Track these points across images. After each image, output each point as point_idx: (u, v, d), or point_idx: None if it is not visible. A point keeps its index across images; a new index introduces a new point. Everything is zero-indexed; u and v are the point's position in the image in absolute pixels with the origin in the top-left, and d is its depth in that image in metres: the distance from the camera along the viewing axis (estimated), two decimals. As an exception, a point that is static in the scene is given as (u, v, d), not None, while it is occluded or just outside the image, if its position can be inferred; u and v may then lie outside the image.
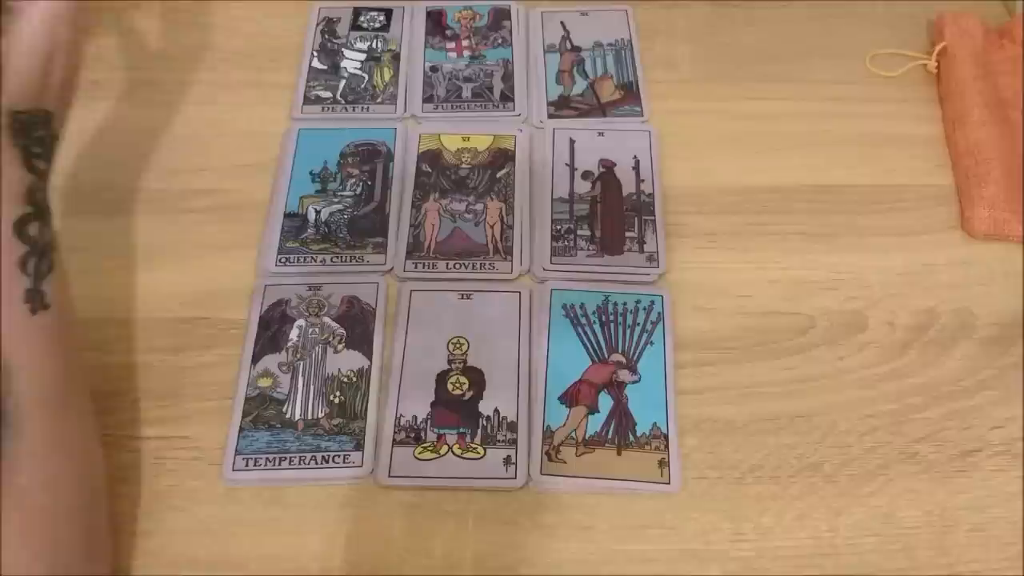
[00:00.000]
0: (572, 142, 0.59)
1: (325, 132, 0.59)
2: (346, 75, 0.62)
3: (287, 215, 0.55)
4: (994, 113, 0.58)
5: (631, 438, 0.47)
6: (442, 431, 0.47)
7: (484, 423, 0.47)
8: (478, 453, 0.46)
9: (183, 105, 0.60)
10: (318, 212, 0.55)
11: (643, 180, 0.57)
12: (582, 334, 0.50)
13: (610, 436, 0.47)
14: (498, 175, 0.57)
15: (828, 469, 0.46)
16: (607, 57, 0.63)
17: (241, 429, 0.47)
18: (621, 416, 0.47)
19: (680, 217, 0.55)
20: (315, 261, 0.53)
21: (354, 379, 0.49)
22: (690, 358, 0.50)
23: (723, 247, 0.54)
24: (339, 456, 0.46)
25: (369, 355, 0.49)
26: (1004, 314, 0.52)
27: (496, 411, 0.47)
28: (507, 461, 0.46)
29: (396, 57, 0.63)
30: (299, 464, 0.46)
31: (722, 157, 0.58)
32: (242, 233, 0.54)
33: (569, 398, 0.48)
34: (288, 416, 0.47)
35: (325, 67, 0.63)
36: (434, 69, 0.63)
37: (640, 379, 0.49)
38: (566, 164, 0.58)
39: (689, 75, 0.63)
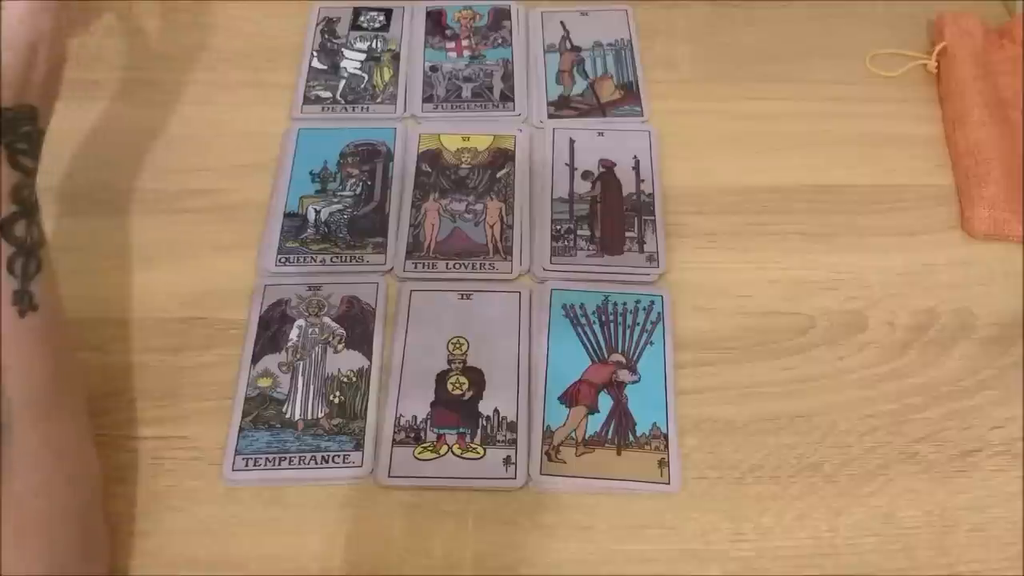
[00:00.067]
0: (572, 142, 0.59)
1: (325, 132, 0.59)
2: (346, 75, 0.62)
3: (287, 215, 0.55)
4: (994, 113, 0.58)
5: (631, 438, 0.47)
6: (442, 431, 0.47)
7: (484, 423, 0.47)
8: (478, 453, 0.46)
9: (183, 105, 0.60)
10: (318, 212, 0.55)
11: (643, 180, 0.57)
12: (582, 334, 0.50)
13: (610, 436, 0.47)
14: (498, 175, 0.57)
15: (828, 469, 0.46)
16: (607, 57, 0.63)
17: (241, 429, 0.47)
18: (621, 416, 0.47)
19: (680, 217, 0.55)
20: (315, 261, 0.53)
21: (354, 379, 0.49)
22: (690, 358, 0.50)
23: (723, 247, 0.54)
24: (339, 456, 0.46)
25: (369, 355, 0.49)
26: (1004, 314, 0.52)
27: (496, 411, 0.47)
28: (507, 461, 0.46)
29: (396, 57, 0.63)
30: (299, 464, 0.46)
31: (722, 157, 0.58)
32: (242, 233, 0.54)
33: (569, 398, 0.48)
34: (288, 416, 0.47)
35: (325, 67, 0.63)
36: (434, 69, 0.63)
37: (640, 379, 0.49)
38: (566, 164, 0.58)
39: (689, 75, 0.63)
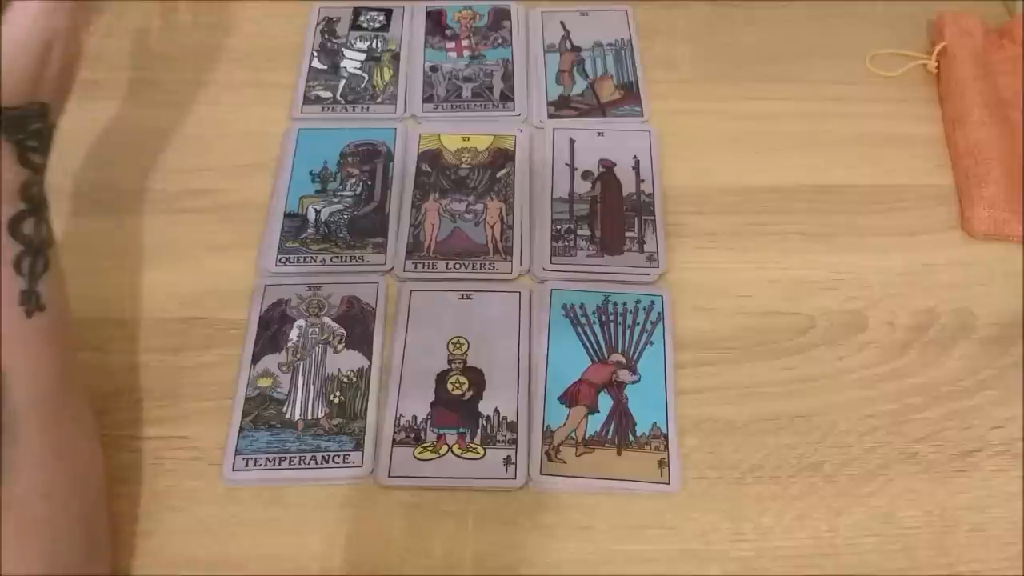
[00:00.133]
0: (572, 142, 0.59)
1: (325, 132, 0.59)
2: (346, 75, 0.62)
3: (287, 215, 0.55)
4: (994, 113, 0.58)
5: (631, 438, 0.47)
6: (442, 431, 0.47)
7: (484, 423, 0.47)
8: (478, 453, 0.46)
9: (183, 105, 0.60)
10: (318, 212, 0.55)
11: (643, 180, 0.57)
12: (582, 334, 0.50)
13: (610, 436, 0.47)
14: (498, 175, 0.57)
15: (828, 469, 0.46)
16: (607, 57, 0.63)
17: (241, 429, 0.47)
18: (621, 416, 0.47)
19: (680, 217, 0.55)
20: (315, 261, 0.53)
21: (354, 379, 0.49)
22: (690, 358, 0.50)
23: (723, 247, 0.54)
24: (339, 456, 0.46)
25: (369, 355, 0.49)
26: (1004, 314, 0.52)
27: (496, 411, 0.47)
28: (507, 461, 0.46)
29: (396, 57, 0.63)
30: (299, 464, 0.46)
31: (722, 157, 0.58)
32: (242, 233, 0.54)
33: (569, 398, 0.48)
34: (288, 416, 0.47)
35: (325, 67, 0.63)
36: (434, 69, 0.63)
37: (640, 379, 0.49)
38: (566, 164, 0.58)
39: (689, 75, 0.63)
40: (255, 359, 0.49)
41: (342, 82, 0.62)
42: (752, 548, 0.44)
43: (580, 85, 0.62)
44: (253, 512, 0.45)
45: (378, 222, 0.55)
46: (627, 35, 0.65)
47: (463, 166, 0.58)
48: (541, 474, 0.45)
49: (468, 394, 0.48)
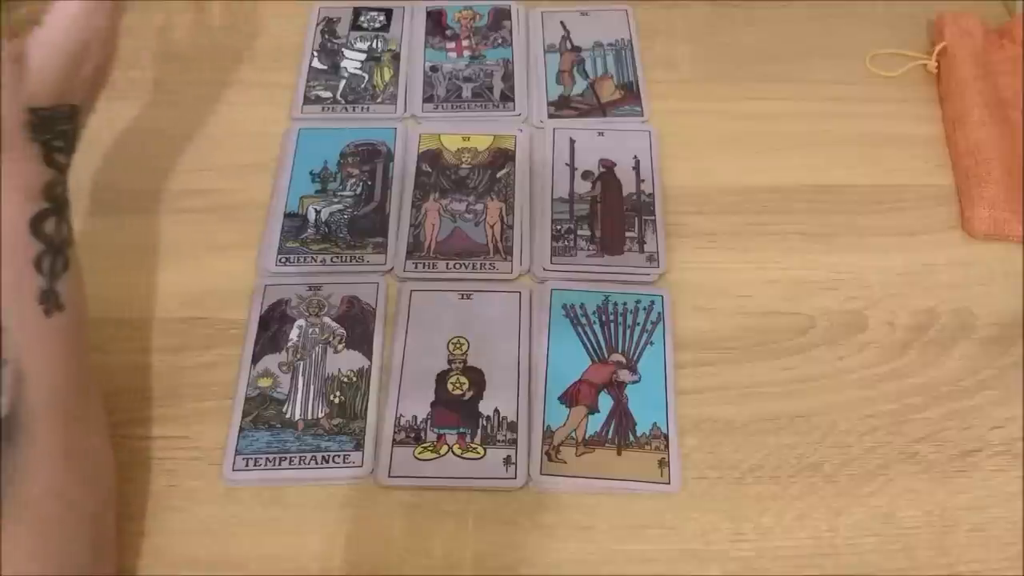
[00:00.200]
0: (572, 142, 0.59)
1: (325, 132, 0.59)
2: (346, 75, 0.62)
3: (287, 215, 0.55)
4: (994, 113, 0.58)
5: (631, 438, 0.47)
6: (442, 431, 0.47)
7: (484, 423, 0.47)
8: (478, 453, 0.46)
9: (183, 105, 0.60)
10: (318, 212, 0.55)
11: (643, 180, 0.57)
12: (582, 334, 0.50)
13: (610, 436, 0.47)
14: (498, 175, 0.57)
15: (828, 469, 0.46)
16: (607, 57, 0.63)
17: (241, 429, 0.47)
18: (621, 416, 0.47)
19: (680, 217, 0.55)
20: (315, 261, 0.53)
21: (354, 379, 0.49)
22: (690, 358, 0.50)
23: (723, 247, 0.54)
24: (339, 456, 0.46)
25: (369, 355, 0.49)
26: (1004, 314, 0.52)
27: (496, 411, 0.47)
28: (507, 461, 0.46)
29: (396, 57, 0.63)
30: (299, 464, 0.46)
31: (722, 157, 0.58)
32: (242, 233, 0.54)
33: (569, 398, 0.48)
34: (288, 416, 0.47)
35: (325, 67, 0.63)
36: (434, 69, 0.63)
37: (640, 379, 0.49)
38: (566, 164, 0.58)
39: (689, 75, 0.63)
40: (255, 359, 0.49)
41: (342, 82, 0.62)
42: (752, 548, 0.44)
43: (580, 85, 0.62)
44: (253, 512, 0.45)
45: (378, 222, 0.55)
46: (627, 35, 0.65)
47: (463, 166, 0.58)
48: (541, 474, 0.45)
49: (468, 394, 0.48)
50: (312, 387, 0.48)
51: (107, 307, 0.51)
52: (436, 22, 0.66)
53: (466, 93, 0.61)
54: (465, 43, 0.64)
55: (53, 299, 0.37)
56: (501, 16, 0.66)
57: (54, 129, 0.38)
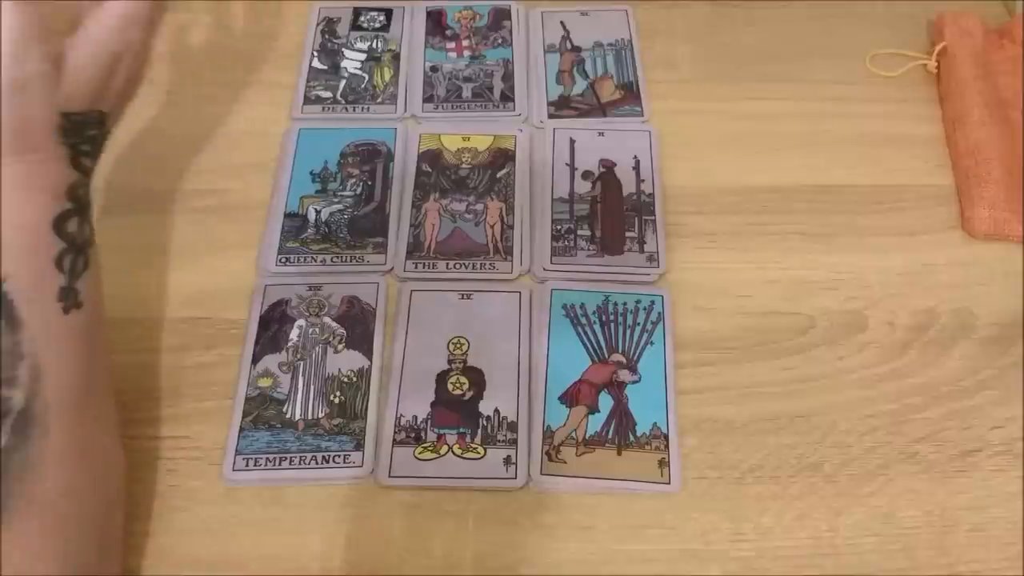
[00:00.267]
0: (572, 142, 0.59)
1: (325, 132, 0.59)
2: (346, 75, 0.62)
3: (287, 215, 0.55)
4: (994, 113, 0.58)
5: (631, 438, 0.47)
6: (442, 431, 0.47)
7: (484, 423, 0.47)
8: (478, 453, 0.46)
9: (183, 105, 0.60)
10: (318, 212, 0.55)
11: (643, 180, 0.57)
12: (582, 334, 0.50)
13: (610, 436, 0.47)
14: (498, 175, 0.57)
15: (828, 469, 0.46)
16: (607, 57, 0.63)
17: (241, 429, 0.47)
18: (621, 416, 0.47)
19: (680, 217, 0.55)
20: (315, 261, 0.53)
21: (354, 379, 0.49)
22: (690, 358, 0.50)
23: (723, 247, 0.54)
24: (339, 456, 0.46)
25: (369, 355, 0.49)
26: (1004, 314, 0.52)
27: (496, 411, 0.47)
28: (507, 461, 0.46)
29: (396, 57, 0.63)
30: (299, 464, 0.46)
31: (722, 157, 0.58)
32: (242, 233, 0.54)
33: (569, 398, 0.48)
34: (288, 416, 0.47)
35: (325, 67, 0.63)
36: (434, 69, 0.63)
37: (640, 379, 0.49)
38: (566, 164, 0.58)
39: (689, 75, 0.63)
40: (255, 359, 0.49)
41: (342, 82, 0.62)
42: (752, 548, 0.44)
43: (580, 85, 0.62)
44: (253, 512, 0.45)
45: (378, 222, 0.55)
46: (627, 35, 0.65)
47: (463, 166, 0.58)
48: (541, 474, 0.45)
49: (468, 394, 0.48)
50: (312, 387, 0.48)
51: (107, 307, 0.50)
52: (436, 22, 0.66)
53: (466, 93, 0.61)
54: (465, 43, 0.64)
55: (72, 297, 0.38)
56: (501, 16, 0.66)
57: (83, 134, 0.39)
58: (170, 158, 0.58)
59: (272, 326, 0.50)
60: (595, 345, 0.50)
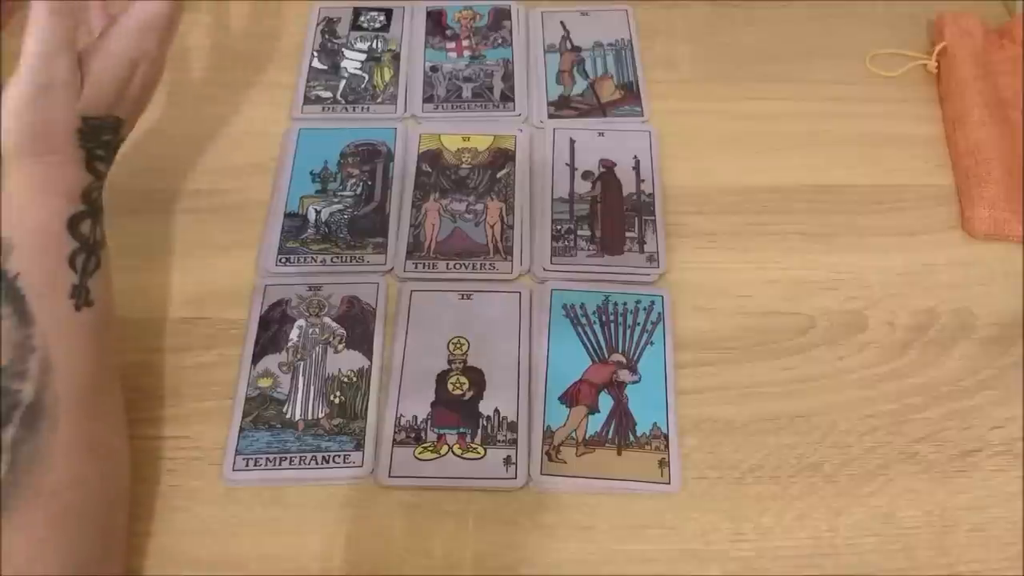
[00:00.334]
0: (572, 142, 0.59)
1: (325, 132, 0.59)
2: (346, 75, 0.62)
3: (287, 215, 0.55)
4: (994, 113, 0.58)
5: (631, 438, 0.47)
6: (442, 431, 0.47)
7: (484, 423, 0.47)
8: (478, 453, 0.46)
9: (183, 105, 0.60)
10: (318, 212, 0.55)
11: (643, 180, 0.57)
12: (582, 334, 0.50)
13: (610, 436, 0.47)
14: (498, 175, 0.57)
15: (828, 469, 0.46)
16: (607, 57, 0.63)
17: (241, 429, 0.47)
18: (621, 416, 0.47)
19: (680, 217, 0.55)
20: (315, 261, 0.53)
21: (354, 379, 0.49)
22: (690, 358, 0.50)
23: (723, 247, 0.54)
24: (339, 456, 0.46)
25: (369, 355, 0.49)
26: (1004, 314, 0.52)
27: (496, 411, 0.47)
28: (507, 461, 0.46)
29: (396, 57, 0.63)
30: (299, 464, 0.46)
31: (722, 157, 0.58)
32: (242, 233, 0.54)
33: (569, 398, 0.48)
34: (288, 416, 0.47)
35: (325, 67, 0.63)
36: (434, 69, 0.63)
37: (640, 379, 0.49)
38: (566, 164, 0.58)
39: (689, 75, 0.63)
40: (255, 359, 0.49)
41: (342, 82, 0.62)
42: (752, 548, 0.44)
43: (580, 85, 0.62)
44: (253, 512, 0.45)
45: (378, 222, 0.55)
46: (627, 35, 0.65)
47: (463, 166, 0.58)
48: (541, 474, 0.45)
49: (468, 394, 0.48)
50: (312, 387, 0.48)
51: (108, 307, 0.51)
52: (436, 22, 0.66)
53: (466, 93, 0.61)
54: (465, 43, 0.64)
55: (83, 295, 0.39)
56: (501, 16, 0.66)
57: (99, 139, 0.41)
58: (170, 158, 0.58)
59: (272, 326, 0.50)
60: (595, 345, 0.50)
